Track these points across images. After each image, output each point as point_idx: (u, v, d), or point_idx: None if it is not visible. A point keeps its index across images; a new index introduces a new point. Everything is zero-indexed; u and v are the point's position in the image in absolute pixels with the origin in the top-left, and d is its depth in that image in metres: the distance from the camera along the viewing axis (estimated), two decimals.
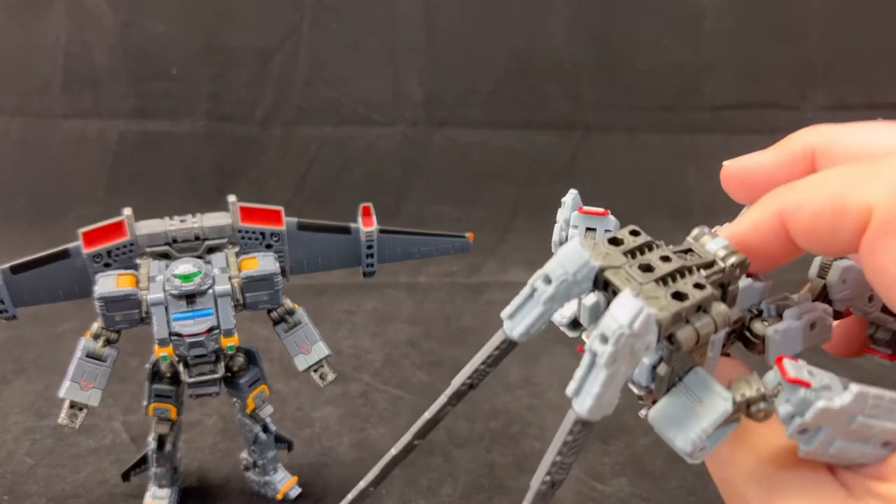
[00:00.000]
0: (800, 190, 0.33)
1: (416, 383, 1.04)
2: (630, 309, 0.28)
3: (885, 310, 0.43)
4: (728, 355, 0.37)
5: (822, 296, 0.42)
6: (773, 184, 0.36)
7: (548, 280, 0.32)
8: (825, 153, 0.37)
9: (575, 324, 0.37)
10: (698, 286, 0.32)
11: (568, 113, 1.57)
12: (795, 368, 0.31)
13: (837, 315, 0.42)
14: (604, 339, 0.28)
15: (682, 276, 0.32)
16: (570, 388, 0.30)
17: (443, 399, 0.36)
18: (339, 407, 0.98)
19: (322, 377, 0.76)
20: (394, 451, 0.37)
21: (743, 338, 0.37)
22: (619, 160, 1.55)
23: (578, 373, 0.30)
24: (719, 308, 0.32)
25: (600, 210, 0.43)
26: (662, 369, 0.32)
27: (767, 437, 0.33)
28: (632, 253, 0.33)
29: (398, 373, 1.06)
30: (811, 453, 0.31)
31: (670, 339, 0.31)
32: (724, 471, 0.34)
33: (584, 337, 0.34)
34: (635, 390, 0.34)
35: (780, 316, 0.37)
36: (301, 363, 0.76)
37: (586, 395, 0.29)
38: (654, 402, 0.33)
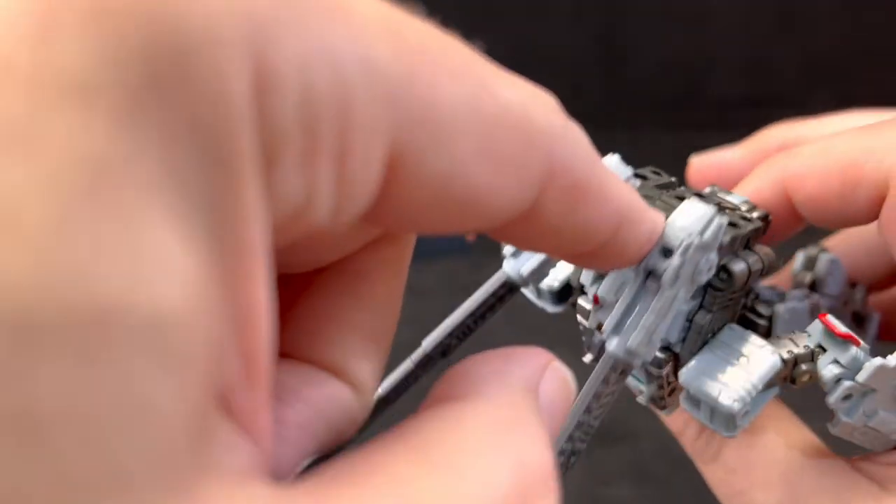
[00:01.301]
0: (805, 156, 0.31)
1: (416, 386, 1.02)
2: (701, 214, 0.24)
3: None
4: None
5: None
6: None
7: None
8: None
9: (563, 293, 0.32)
10: (745, 219, 0.29)
11: (570, 109, 1.55)
12: (843, 324, 0.28)
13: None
14: (666, 253, 0.24)
15: (723, 210, 0.29)
16: (607, 325, 0.25)
17: (408, 364, 0.31)
18: None
19: None
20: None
21: (744, 320, 0.33)
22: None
23: (619, 307, 0.24)
24: (765, 248, 0.29)
25: None
26: (702, 317, 0.28)
27: (784, 438, 0.31)
28: (663, 187, 0.30)
29: None
30: (845, 427, 0.29)
31: (723, 270, 0.28)
32: (736, 481, 0.31)
33: (580, 301, 0.31)
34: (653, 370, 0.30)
35: (781, 298, 0.33)
36: None
37: (634, 327, 0.24)
38: (668, 395, 0.30)
